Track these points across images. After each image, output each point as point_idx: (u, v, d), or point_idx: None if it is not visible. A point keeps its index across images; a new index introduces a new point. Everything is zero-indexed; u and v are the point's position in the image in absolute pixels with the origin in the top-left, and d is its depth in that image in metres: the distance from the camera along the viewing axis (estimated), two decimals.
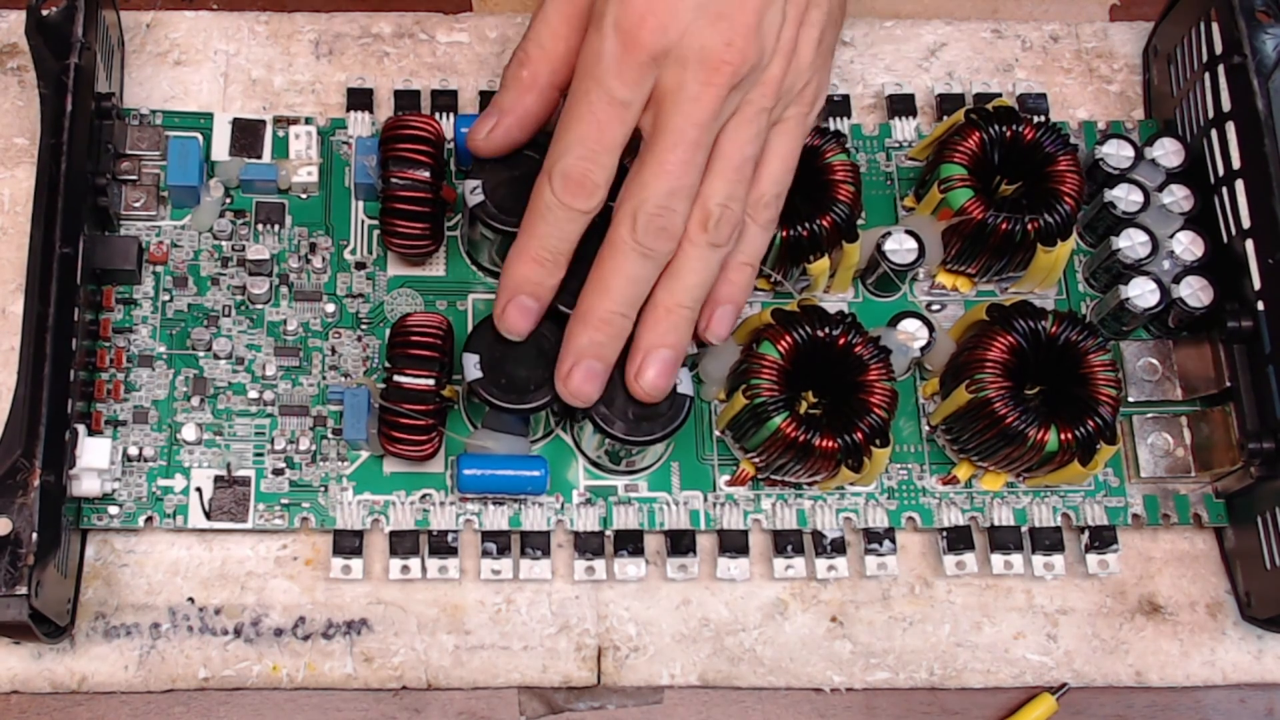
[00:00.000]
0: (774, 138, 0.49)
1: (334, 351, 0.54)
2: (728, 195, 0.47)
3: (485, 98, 0.57)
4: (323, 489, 0.52)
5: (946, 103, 0.58)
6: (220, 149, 0.55)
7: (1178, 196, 0.55)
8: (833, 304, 0.55)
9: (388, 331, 0.52)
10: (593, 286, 0.47)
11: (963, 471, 0.53)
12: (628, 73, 0.46)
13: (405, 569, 0.51)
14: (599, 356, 0.48)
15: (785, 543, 0.52)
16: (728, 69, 0.46)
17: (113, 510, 0.51)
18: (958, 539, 0.52)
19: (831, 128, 0.56)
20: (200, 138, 0.55)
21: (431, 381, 0.49)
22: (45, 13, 0.52)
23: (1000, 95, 0.58)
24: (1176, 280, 0.53)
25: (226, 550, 0.52)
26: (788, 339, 0.50)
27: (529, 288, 0.48)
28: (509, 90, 0.50)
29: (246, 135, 0.56)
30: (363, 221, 0.55)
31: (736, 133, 0.48)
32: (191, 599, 0.51)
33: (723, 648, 0.52)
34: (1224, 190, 0.54)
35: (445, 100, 0.57)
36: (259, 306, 0.54)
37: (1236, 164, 0.53)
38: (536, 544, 0.52)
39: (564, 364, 0.48)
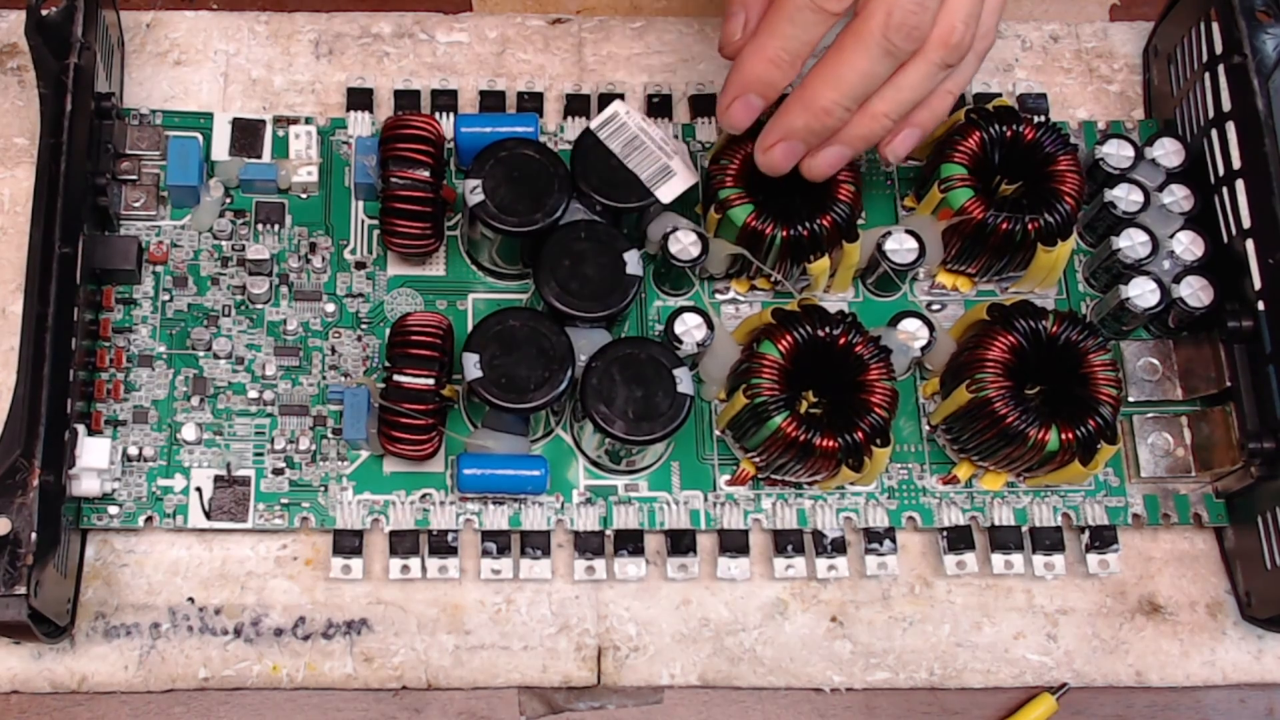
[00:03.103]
0: None
1: (334, 351, 0.54)
2: (969, 14, 0.47)
3: (485, 97, 0.57)
4: (323, 489, 0.52)
5: None
6: (220, 149, 0.55)
7: (1178, 196, 0.55)
8: (833, 304, 0.55)
9: (388, 331, 0.52)
10: (825, 74, 0.47)
11: (963, 471, 0.53)
12: None
13: (405, 569, 0.51)
14: (806, 141, 0.48)
15: (785, 542, 0.52)
16: None
17: (112, 510, 0.51)
18: (958, 539, 0.52)
19: None
20: (200, 138, 0.55)
21: (431, 381, 0.49)
22: (45, 13, 0.52)
23: (1000, 95, 0.58)
24: (1177, 280, 0.53)
25: (226, 550, 0.52)
26: (788, 338, 0.50)
27: (760, 87, 0.48)
28: None
29: (246, 135, 0.56)
30: (363, 221, 0.55)
31: None
32: (191, 599, 0.51)
33: (723, 648, 0.52)
34: (1224, 190, 0.54)
35: (445, 100, 0.57)
36: (259, 306, 0.54)
37: (1236, 164, 0.53)
38: (536, 544, 0.52)
39: (770, 136, 0.49)
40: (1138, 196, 0.55)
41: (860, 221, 0.56)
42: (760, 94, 0.48)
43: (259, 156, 0.55)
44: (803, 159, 0.49)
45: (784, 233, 0.51)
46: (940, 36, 0.47)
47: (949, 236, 0.54)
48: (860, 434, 0.49)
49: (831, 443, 0.49)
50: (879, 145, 0.50)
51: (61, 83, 0.51)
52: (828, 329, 0.50)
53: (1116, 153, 0.55)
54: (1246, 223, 0.52)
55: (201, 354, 0.53)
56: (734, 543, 0.52)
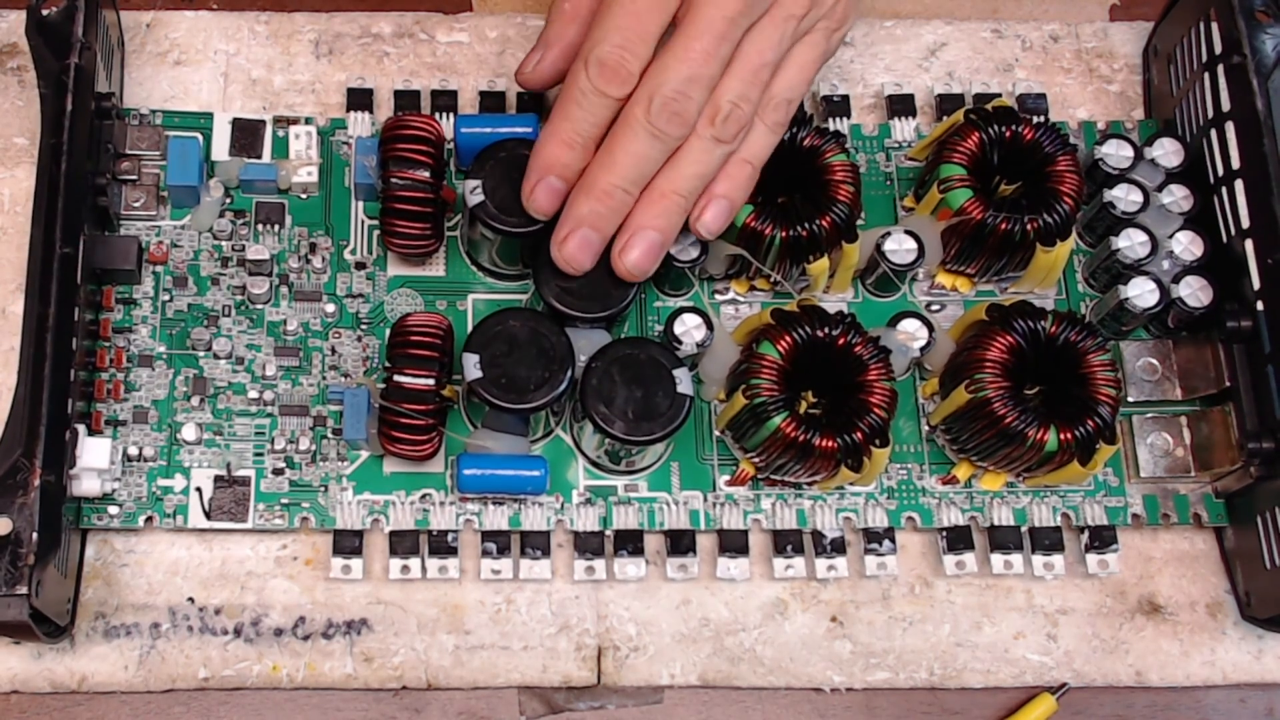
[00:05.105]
0: (797, 47, 0.51)
1: (334, 351, 0.54)
2: (740, 95, 0.49)
3: (485, 98, 0.57)
4: (323, 489, 0.52)
5: (946, 103, 0.58)
6: (220, 149, 0.55)
7: (1177, 196, 0.55)
8: (832, 304, 0.55)
9: (388, 331, 0.52)
10: (600, 160, 0.48)
11: (962, 471, 0.53)
12: None
13: (405, 569, 0.51)
14: (596, 227, 0.49)
15: (785, 543, 0.52)
16: None
17: (113, 510, 0.51)
18: (957, 539, 0.52)
19: (831, 128, 0.56)
20: (200, 138, 0.55)
21: (431, 381, 0.49)
22: (45, 13, 0.52)
23: (1000, 95, 0.58)
24: (1176, 280, 0.53)
25: (226, 550, 0.52)
26: (787, 339, 0.50)
27: (558, 169, 0.49)
28: (553, 24, 0.51)
29: (246, 135, 0.56)
30: (363, 221, 0.55)
31: (761, 35, 0.49)
32: (191, 599, 0.51)
33: (723, 648, 0.52)
34: (1223, 190, 0.54)
35: (445, 100, 0.57)
36: (259, 306, 0.54)
37: (1236, 164, 0.53)
38: (536, 544, 0.52)
39: (561, 230, 0.49)
40: (1137, 197, 0.55)
41: (859, 222, 0.56)
42: (559, 175, 0.49)
43: (259, 157, 0.55)
44: (615, 257, 0.49)
45: (783, 233, 0.52)
46: (707, 116, 0.48)
47: (948, 237, 0.54)
48: (859, 434, 0.49)
49: (831, 443, 0.49)
50: (689, 221, 0.50)
51: (62, 83, 0.51)
52: (827, 329, 0.50)
53: (1116, 153, 0.55)
54: (1245, 223, 0.52)
55: (201, 354, 0.53)
56: (734, 543, 0.52)
